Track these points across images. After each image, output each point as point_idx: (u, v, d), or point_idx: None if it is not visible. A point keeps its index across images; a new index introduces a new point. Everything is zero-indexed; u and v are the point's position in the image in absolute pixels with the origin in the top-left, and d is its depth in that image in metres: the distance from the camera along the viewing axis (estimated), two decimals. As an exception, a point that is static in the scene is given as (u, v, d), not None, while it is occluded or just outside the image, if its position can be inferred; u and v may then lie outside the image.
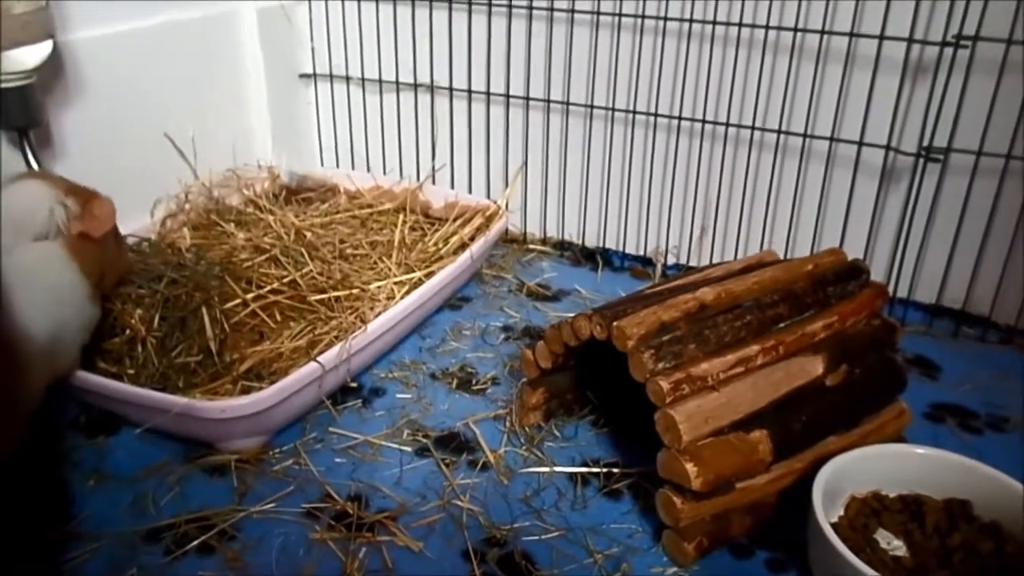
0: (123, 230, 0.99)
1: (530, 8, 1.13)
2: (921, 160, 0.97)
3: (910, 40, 0.94)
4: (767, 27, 1.01)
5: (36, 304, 0.70)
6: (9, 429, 0.68)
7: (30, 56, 0.88)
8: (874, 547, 0.66)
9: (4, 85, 0.87)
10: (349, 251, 1.04)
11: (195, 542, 0.70)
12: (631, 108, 1.13)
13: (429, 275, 0.99)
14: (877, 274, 1.03)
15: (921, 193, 0.99)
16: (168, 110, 1.13)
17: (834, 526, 0.63)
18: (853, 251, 0.94)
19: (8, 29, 0.85)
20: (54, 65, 0.96)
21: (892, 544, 0.68)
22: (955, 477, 0.69)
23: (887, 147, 0.99)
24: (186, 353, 0.82)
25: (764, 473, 0.69)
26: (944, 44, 0.91)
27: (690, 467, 0.65)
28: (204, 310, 0.84)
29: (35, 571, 0.68)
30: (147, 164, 1.10)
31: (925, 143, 0.96)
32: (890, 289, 1.04)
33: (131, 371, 0.81)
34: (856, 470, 0.70)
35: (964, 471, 0.69)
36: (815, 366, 0.73)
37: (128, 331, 0.82)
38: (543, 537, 0.72)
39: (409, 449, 0.82)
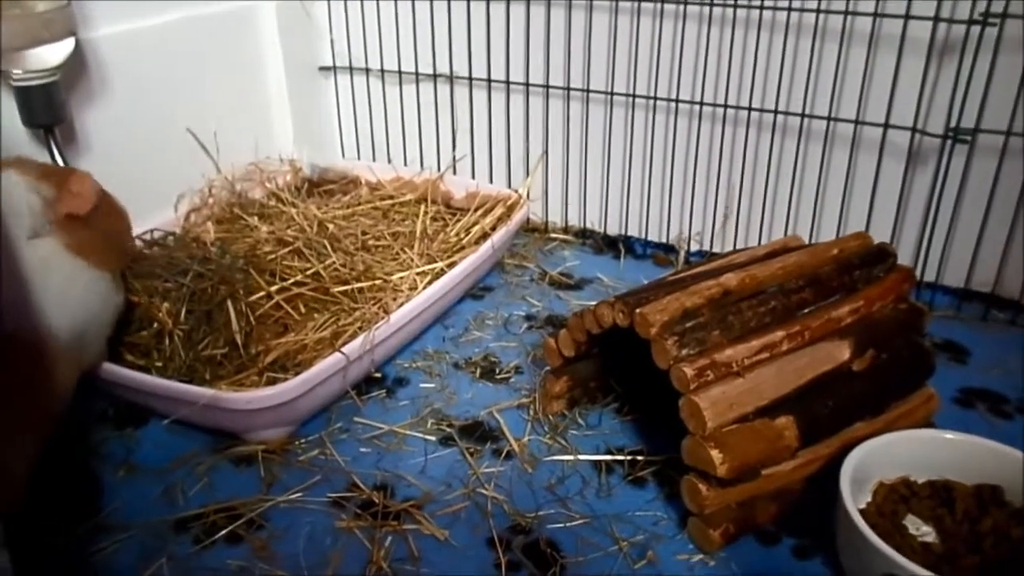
0: (147, 225, 1.01)
1: (549, -5, 1.13)
2: (948, 141, 0.96)
3: (936, 19, 0.92)
4: (789, 8, 0.99)
5: (55, 305, 0.71)
6: (41, 427, 0.69)
7: (53, 54, 0.89)
8: (903, 533, 0.65)
9: (28, 83, 0.88)
10: (371, 242, 1.04)
11: (223, 532, 0.71)
12: (652, 94, 1.12)
13: (451, 265, 0.99)
14: (904, 258, 1.02)
15: (949, 175, 0.98)
16: (190, 105, 1.14)
17: (862, 512, 0.63)
18: (879, 235, 0.93)
19: (31, 27, 0.86)
20: (77, 62, 0.97)
21: (921, 530, 0.67)
22: (985, 462, 0.68)
23: (913, 129, 0.98)
24: (212, 345, 0.83)
25: (790, 459, 0.68)
26: (971, 22, 0.90)
27: (715, 454, 0.64)
28: (229, 303, 0.84)
29: (65, 562, 0.69)
30: (170, 159, 1.11)
31: (952, 124, 0.95)
32: (917, 273, 1.02)
33: (159, 364, 0.82)
34: (884, 456, 0.69)
35: (994, 456, 0.68)
36: (841, 351, 0.72)
37: (155, 324, 0.83)
38: (568, 525, 0.72)
39: (433, 438, 0.83)
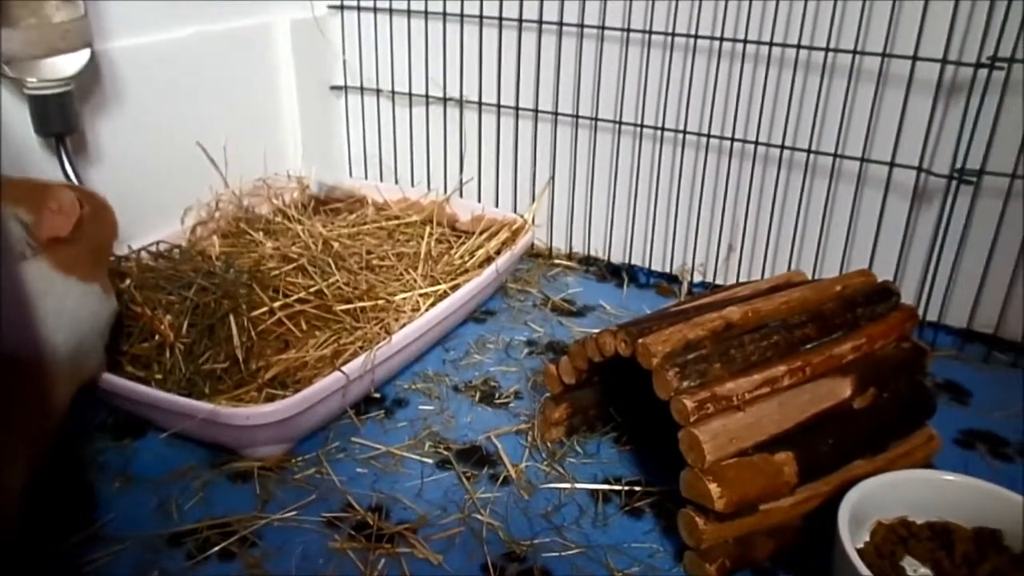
0: (154, 236, 1.01)
1: (560, 24, 1.14)
2: (953, 182, 0.96)
3: (944, 61, 0.93)
4: (798, 46, 1.00)
5: (50, 325, 0.70)
6: (36, 444, 0.69)
7: (68, 64, 0.90)
8: (901, 575, 0.65)
9: (43, 92, 0.89)
10: (375, 262, 1.04)
11: (216, 548, 0.71)
12: (659, 125, 1.12)
13: (454, 288, 0.99)
14: (907, 296, 1.02)
15: (953, 215, 0.98)
16: (201, 119, 1.14)
17: (860, 552, 0.62)
18: (883, 273, 0.93)
19: (47, 37, 0.87)
20: (91, 73, 0.98)
21: (919, 572, 0.67)
22: (985, 505, 0.68)
23: (919, 168, 0.98)
24: (213, 360, 0.83)
25: (789, 496, 0.68)
26: (979, 65, 0.91)
27: (713, 488, 0.64)
28: (232, 318, 0.85)
29: (58, 573, 0.69)
30: (179, 172, 1.12)
31: (958, 165, 0.95)
32: (920, 312, 1.02)
33: (159, 376, 0.82)
34: (883, 495, 0.69)
35: (994, 499, 0.68)
36: (843, 388, 0.72)
37: (157, 336, 0.83)
38: (563, 554, 0.71)
39: (431, 461, 0.82)
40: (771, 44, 1.02)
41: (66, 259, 0.75)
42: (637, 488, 0.79)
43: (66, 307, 0.73)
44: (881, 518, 0.70)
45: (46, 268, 0.73)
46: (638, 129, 1.15)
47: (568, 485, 0.79)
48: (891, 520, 0.70)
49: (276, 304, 0.90)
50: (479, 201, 1.27)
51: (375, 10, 1.26)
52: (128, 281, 0.88)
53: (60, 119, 0.92)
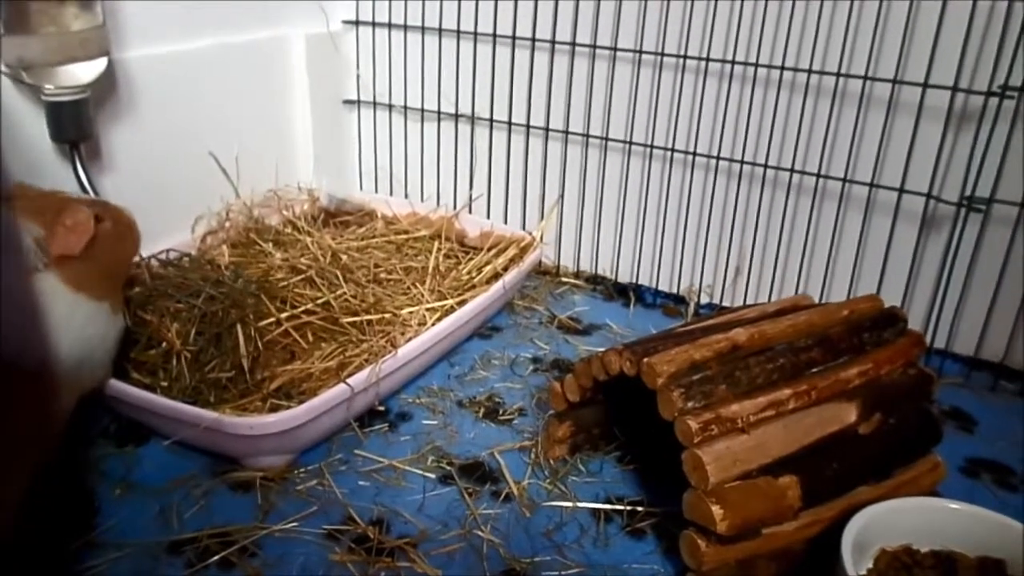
0: (164, 244, 1.01)
1: (573, 44, 1.15)
2: (963, 210, 0.96)
3: (954, 88, 0.93)
4: (809, 71, 1.01)
5: (55, 340, 0.70)
6: (34, 456, 0.69)
7: (85, 72, 0.91)
8: (903, 603, 0.65)
9: (59, 99, 0.90)
10: (383, 275, 1.04)
11: (216, 557, 0.70)
12: (670, 146, 1.13)
13: (461, 303, 0.99)
14: (915, 323, 1.01)
15: (962, 243, 0.98)
16: (214, 129, 1.15)
17: (862, 578, 0.62)
18: (890, 299, 0.92)
19: (66, 45, 0.87)
20: (108, 81, 0.99)
21: (922, 601, 0.66)
22: (989, 535, 0.68)
23: (928, 195, 0.98)
24: (219, 368, 0.83)
25: (792, 520, 0.67)
26: (990, 94, 0.91)
27: (716, 509, 0.64)
28: (239, 327, 0.85)
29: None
30: (191, 181, 1.12)
31: (967, 192, 0.95)
32: (927, 339, 1.02)
33: (164, 383, 0.82)
34: (887, 522, 0.68)
35: (999, 529, 0.67)
36: (848, 413, 0.71)
37: (164, 344, 0.84)
38: (563, 573, 0.71)
39: (433, 476, 0.82)
40: (782, 68, 1.02)
41: (76, 276, 0.74)
42: (639, 508, 0.79)
43: (73, 323, 0.73)
44: (885, 545, 0.69)
45: (55, 283, 0.73)
46: (648, 150, 1.15)
47: (570, 504, 0.79)
48: (895, 548, 0.69)
49: (283, 315, 0.90)
50: (488, 217, 1.27)
51: (390, 26, 1.28)
52: (137, 288, 0.88)
53: (75, 126, 0.92)
